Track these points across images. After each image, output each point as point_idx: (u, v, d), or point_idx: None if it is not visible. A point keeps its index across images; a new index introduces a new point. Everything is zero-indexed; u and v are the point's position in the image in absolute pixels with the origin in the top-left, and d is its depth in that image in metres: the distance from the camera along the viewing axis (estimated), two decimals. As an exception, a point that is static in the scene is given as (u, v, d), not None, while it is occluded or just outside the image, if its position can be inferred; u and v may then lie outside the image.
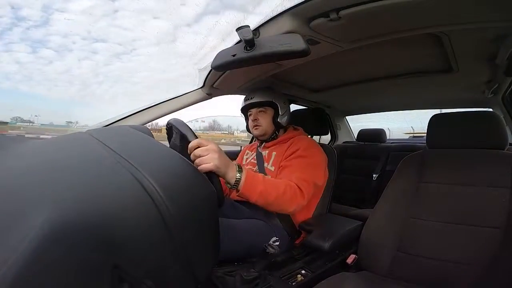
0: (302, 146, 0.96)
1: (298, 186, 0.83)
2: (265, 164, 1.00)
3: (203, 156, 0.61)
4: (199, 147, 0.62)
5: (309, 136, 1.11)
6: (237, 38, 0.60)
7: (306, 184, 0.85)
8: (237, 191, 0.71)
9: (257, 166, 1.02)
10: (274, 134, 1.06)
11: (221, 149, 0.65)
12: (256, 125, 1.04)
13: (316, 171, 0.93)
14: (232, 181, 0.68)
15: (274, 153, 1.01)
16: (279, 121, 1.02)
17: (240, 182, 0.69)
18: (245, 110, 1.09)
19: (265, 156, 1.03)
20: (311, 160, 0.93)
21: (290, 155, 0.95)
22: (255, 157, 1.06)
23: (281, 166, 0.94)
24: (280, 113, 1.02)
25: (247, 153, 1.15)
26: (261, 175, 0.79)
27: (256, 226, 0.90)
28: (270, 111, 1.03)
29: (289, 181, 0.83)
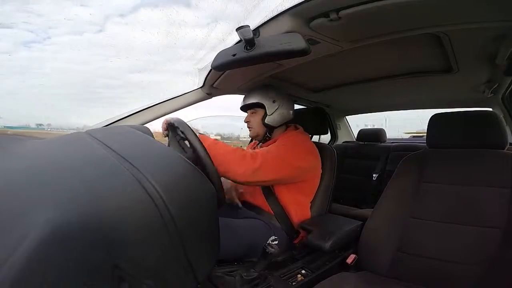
0: (287, 138, 0.97)
1: (250, 154, 0.84)
2: None
3: None
4: None
5: (309, 136, 1.10)
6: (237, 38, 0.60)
7: (262, 154, 0.85)
8: None
9: None
10: (267, 135, 1.05)
11: None
12: (249, 127, 1.06)
13: (287, 162, 0.89)
14: None
15: None
16: (267, 122, 1.01)
17: None
18: (244, 111, 1.09)
19: None
20: (283, 151, 0.91)
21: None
22: None
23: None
24: (268, 113, 1.00)
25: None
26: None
27: (255, 225, 0.90)
28: (260, 112, 1.02)
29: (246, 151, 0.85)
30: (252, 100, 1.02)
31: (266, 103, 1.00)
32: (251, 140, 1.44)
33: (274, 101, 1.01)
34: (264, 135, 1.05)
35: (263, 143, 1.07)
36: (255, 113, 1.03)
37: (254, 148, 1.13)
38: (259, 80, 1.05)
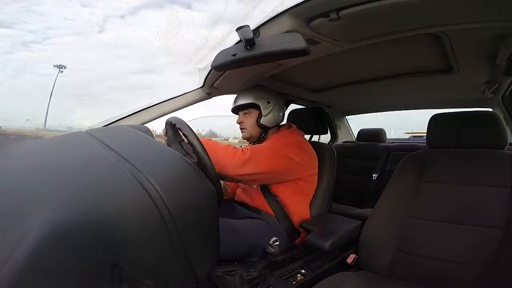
0: (278, 136, 0.97)
1: (241, 149, 0.85)
2: None
3: None
4: None
5: (303, 135, 1.09)
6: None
7: (252, 150, 0.86)
8: None
9: None
10: (261, 136, 1.03)
11: None
12: (241, 128, 1.04)
13: (278, 159, 0.89)
14: None
15: None
16: (263, 123, 0.99)
17: None
18: (235, 113, 1.08)
19: None
20: (274, 144, 0.92)
21: None
22: None
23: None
24: (263, 114, 0.99)
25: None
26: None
27: (256, 226, 0.89)
28: (254, 113, 1.00)
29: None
30: (246, 100, 1.00)
31: (261, 103, 0.99)
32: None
33: (268, 102, 1.00)
34: (259, 137, 1.03)
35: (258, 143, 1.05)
36: (249, 114, 1.01)
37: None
38: (259, 80, 1.05)
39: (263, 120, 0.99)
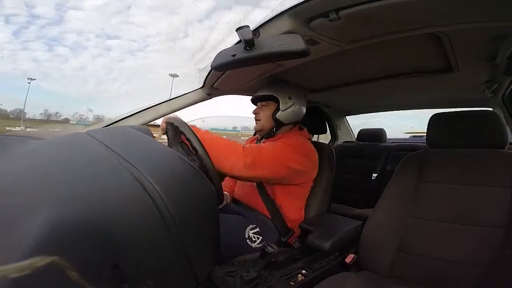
0: (287, 140, 0.94)
1: (243, 147, 0.82)
2: None
3: None
4: None
5: (311, 138, 1.09)
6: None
7: (255, 151, 0.83)
8: None
9: None
10: (272, 131, 1.01)
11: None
12: (256, 119, 1.03)
13: (283, 161, 0.87)
14: None
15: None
16: (278, 117, 0.97)
17: None
18: (254, 104, 1.07)
19: None
20: (281, 151, 0.89)
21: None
22: None
23: None
24: (281, 108, 0.97)
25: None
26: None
27: (228, 220, 0.88)
28: (272, 106, 0.99)
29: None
30: (266, 92, 0.99)
31: (280, 97, 0.97)
32: (254, 134, 1.42)
33: (289, 98, 0.98)
34: (270, 130, 1.01)
35: (266, 139, 1.03)
36: (266, 106, 1.00)
37: (253, 142, 1.11)
38: (259, 80, 1.05)
39: (279, 115, 0.97)
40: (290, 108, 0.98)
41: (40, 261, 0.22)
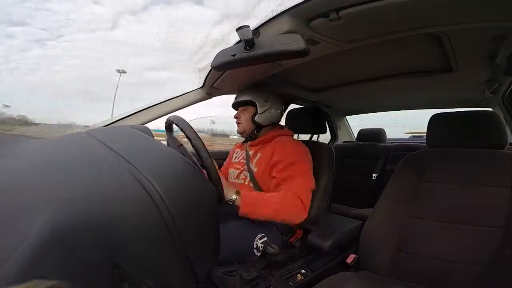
0: (287, 152, 0.97)
1: (298, 197, 0.87)
2: (250, 164, 1.02)
3: None
4: None
5: (293, 135, 1.12)
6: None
7: (306, 192, 0.91)
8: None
9: (245, 166, 1.04)
10: (253, 133, 1.07)
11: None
12: (237, 123, 1.09)
13: (308, 176, 0.96)
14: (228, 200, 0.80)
15: (259, 154, 1.03)
16: (257, 120, 1.03)
17: (236, 202, 0.80)
18: (235, 109, 1.12)
19: (250, 155, 1.05)
20: (302, 167, 0.96)
21: (278, 164, 0.94)
22: (244, 157, 1.07)
23: (274, 177, 0.94)
24: (258, 111, 1.03)
25: (237, 151, 1.16)
26: (255, 193, 0.89)
27: (238, 228, 0.89)
28: (251, 110, 1.05)
29: (288, 192, 0.88)
30: (244, 97, 1.04)
31: (258, 101, 1.03)
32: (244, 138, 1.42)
33: (266, 101, 1.04)
34: (251, 132, 1.07)
35: (251, 141, 1.08)
36: (245, 110, 1.06)
37: (241, 148, 1.14)
38: (259, 80, 1.05)
39: (257, 118, 1.04)
40: (267, 111, 1.04)
41: (37, 285, 0.21)
